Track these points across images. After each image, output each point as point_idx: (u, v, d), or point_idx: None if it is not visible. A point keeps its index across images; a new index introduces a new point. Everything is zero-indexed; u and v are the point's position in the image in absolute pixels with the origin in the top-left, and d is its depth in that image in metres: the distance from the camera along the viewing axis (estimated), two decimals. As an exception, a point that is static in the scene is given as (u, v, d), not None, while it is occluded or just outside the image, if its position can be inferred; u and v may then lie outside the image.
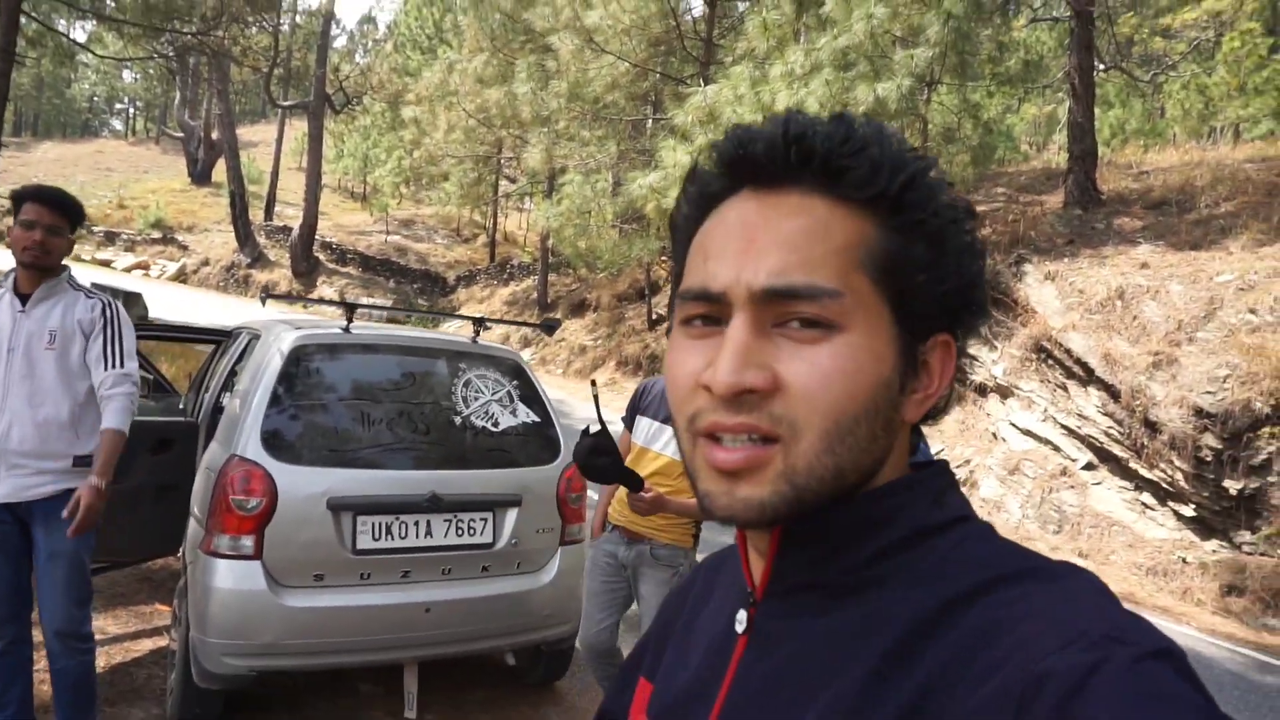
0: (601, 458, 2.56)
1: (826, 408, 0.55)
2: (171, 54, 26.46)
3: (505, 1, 19.98)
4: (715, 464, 0.57)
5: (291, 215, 28.92)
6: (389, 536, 3.30)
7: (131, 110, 68.13)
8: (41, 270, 2.82)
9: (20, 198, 2.81)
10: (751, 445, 0.56)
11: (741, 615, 0.65)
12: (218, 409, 4.15)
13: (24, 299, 2.83)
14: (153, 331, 4.74)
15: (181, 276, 25.47)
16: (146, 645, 4.00)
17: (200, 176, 36.75)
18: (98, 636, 3.78)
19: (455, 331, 4.62)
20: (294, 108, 29.79)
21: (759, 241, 0.58)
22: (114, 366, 2.83)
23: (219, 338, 4.66)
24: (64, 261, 2.91)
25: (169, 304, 17.98)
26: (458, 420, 3.59)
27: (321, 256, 25.44)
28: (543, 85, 17.17)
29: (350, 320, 3.62)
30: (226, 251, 26.56)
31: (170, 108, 50.38)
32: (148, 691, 3.59)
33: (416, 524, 3.34)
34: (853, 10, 11.12)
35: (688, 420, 0.59)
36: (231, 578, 3.11)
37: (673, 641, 0.75)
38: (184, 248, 28.07)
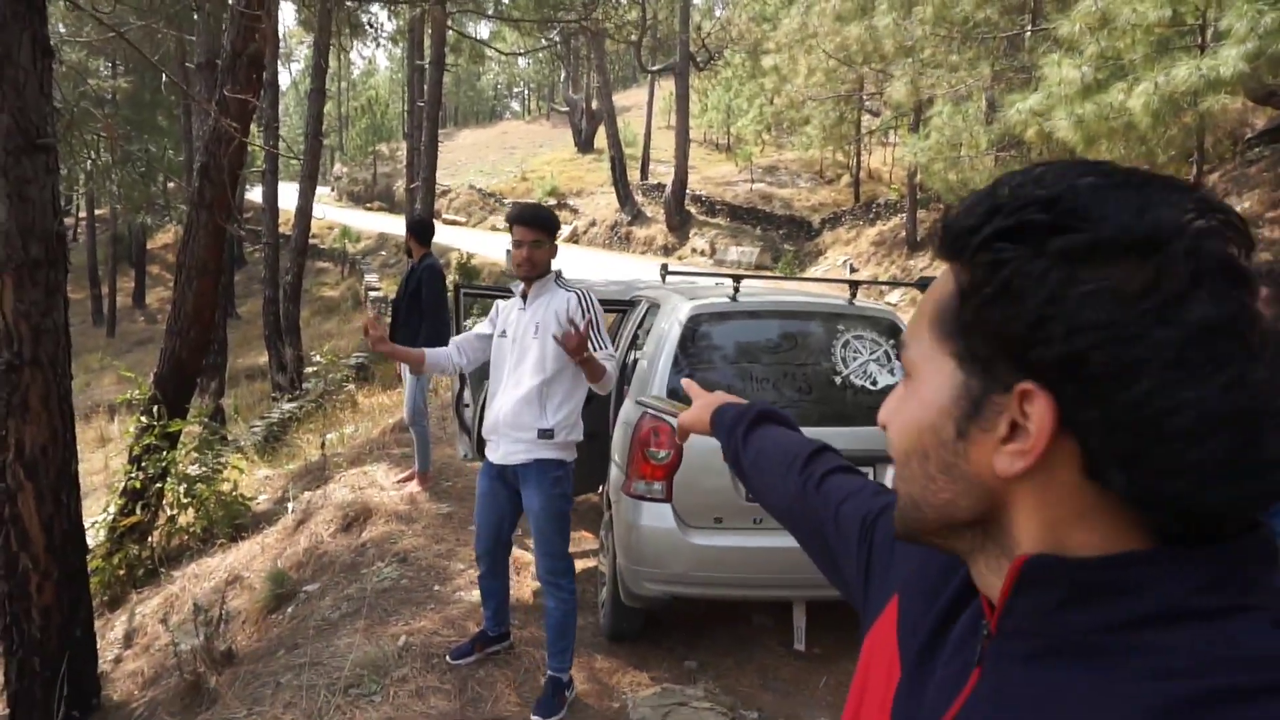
0: None
1: (898, 444, 0.65)
2: (558, 39, 29.40)
3: (862, -71, 19.22)
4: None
5: (664, 173, 30.89)
6: (778, 487, 3.62)
7: (526, 93, 76.87)
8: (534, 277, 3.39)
9: (510, 221, 3.44)
10: None
11: (977, 647, 0.64)
12: (625, 368, 4.77)
13: (524, 298, 3.46)
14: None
15: (574, 238, 28.57)
16: (578, 565, 4.79)
17: (584, 145, 40.56)
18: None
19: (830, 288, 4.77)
20: (662, 71, 31.56)
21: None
22: (600, 348, 3.26)
23: (622, 306, 5.31)
24: (552, 263, 3.44)
25: (566, 265, 20.30)
26: (838, 380, 3.79)
27: (692, 209, 26.94)
28: (905, 13, 16.33)
29: (737, 289, 3.97)
30: (610, 212, 29.20)
31: (557, 86, 56.03)
32: (582, 604, 4.32)
33: (802, 476, 3.62)
34: None
35: None
36: (648, 516, 3.64)
37: (892, 561, 0.83)
38: (575, 211, 31.39)
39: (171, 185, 24.53)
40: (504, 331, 3.46)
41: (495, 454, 3.44)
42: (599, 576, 4.30)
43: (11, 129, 3.84)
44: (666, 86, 35.45)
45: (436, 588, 4.36)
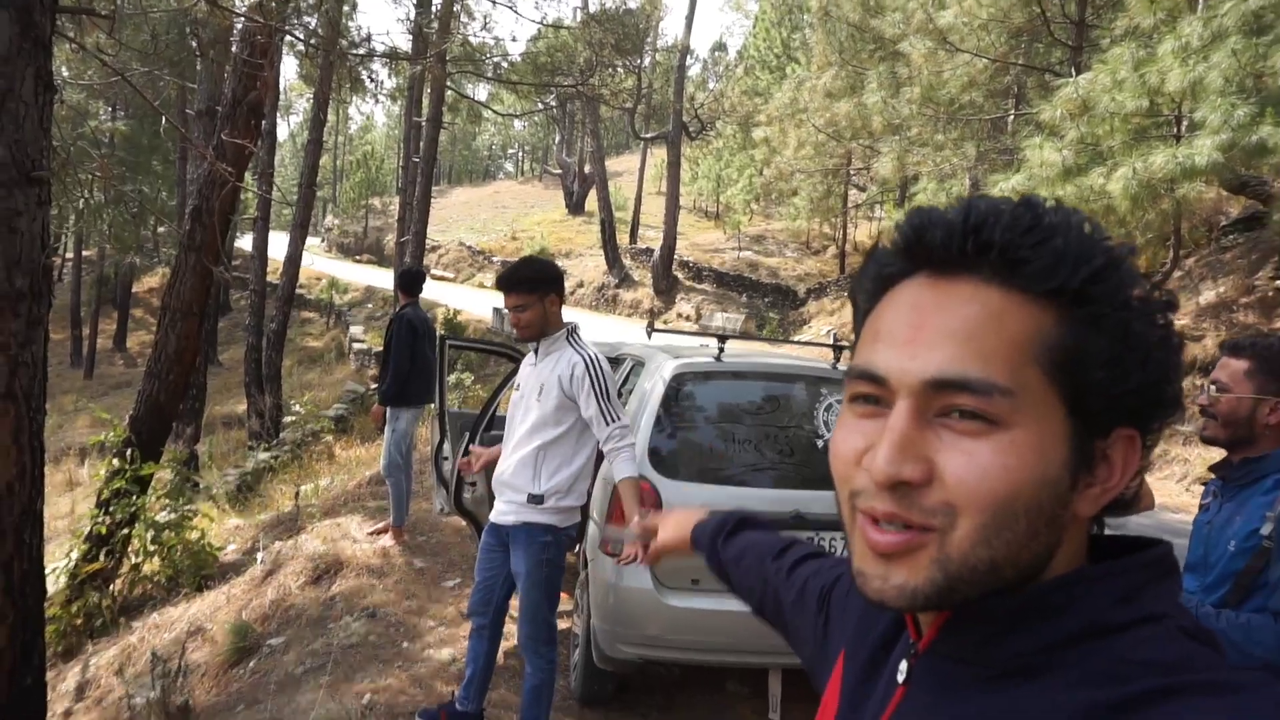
0: None
1: (983, 502, 0.55)
2: (554, 103, 30.00)
3: (853, 13, 19.92)
4: (872, 544, 0.58)
5: (652, 237, 31.27)
6: (758, 551, 3.57)
7: (520, 155, 78.11)
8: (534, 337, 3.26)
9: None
10: (908, 530, 0.57)
11: (903, 666, 0.65)
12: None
13: (535, 354, 3.33)
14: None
15: (562, 298, 28.77)
16: (553, 627, 4.69)
17: (575, 207, 41.09)
18: (513, 615, 4.51)
19: (815, 349, 4.80)
20: (655, 138, 32.20)
21: (927, 329, 0.58)
22: (611, 422, 3.12)
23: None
24: (564, 319, 3.31)
25: (554, 324, 20.38)
26: (820, 443, 3.78)
27: (679, 274, 27.20)
28: (893, 93, 16.83)
29: (722, 349, 3.97)
30: (597, 273, 29.42)
31: (550, 149, 56.99)
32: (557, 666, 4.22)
33: (783, 541, 3.57)
34: (1268, -35, 9.50)
35: (848, 495, 0.61)
36: (625, 576, 3.58)
37: (844, 620, 0.82)
38: (563, 271, 31.66)
39: (162, 229, 24.57)
40: (518, 386, 3.38)
41: (495, 511, 3.35)
42: (572, 638, 4.21)
43: (6, 161, 3.82)
44: (658, 154, 36.18)
45: (405, 645, 4.24)
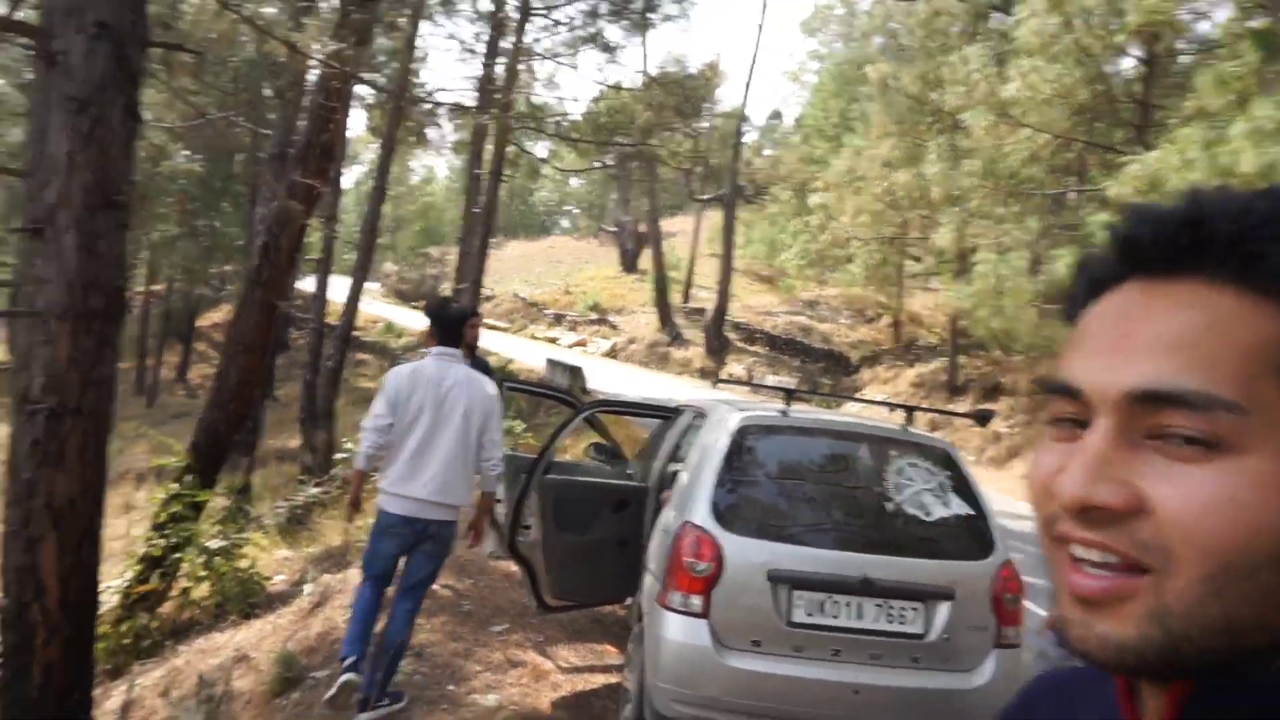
0: None
1: (1208, 544, 0.45)
2: (613, 162, 30.57)
3: (912, 86, 20.05)
4: (1072, 588, 0.50)
5: (705, 298, 31.39)
6: (822, 613, 3.44)
7: (576, 211, 79.57)
8: None
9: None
10: (1115, 574, 0.48)
11: None
12: (664, 476, 4.68)
13: None
14: (614, 407, 5.49)
15: (612, 353, 28.85)
16: (599, 680, 4.57)
17: (629, 265, 41.50)
18: (561, 665, 4.45)
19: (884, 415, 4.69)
20: (710, 200, 32.57)
21: (1135, 337, 0.49)
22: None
23: (667, 414, 5.26)
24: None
25: (603, 377, 20.45)
26: (889, 506, 3.66)
27: (732, 335, 27.19)
28: (953, 164, 16.83)
29: (789, 404, 3.90)
30: (650, 331, 29.55)
31: (606, 207, 58.00)
32: (603, 722, 4.10)
33: (849, 605, 3.44)
34: (1349, 49, 9.38)
35: (1045, 523, 0.52)
36: (682, 632, 3.47)
37: None
38: (614, 328, 31.80)
39: (228, 267, 25.36)
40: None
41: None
42: (622, 693, 4.08)
43: (91, 185, 3.96)
44: (713, 216, 36.50)
45: (450, 687, 4.16)
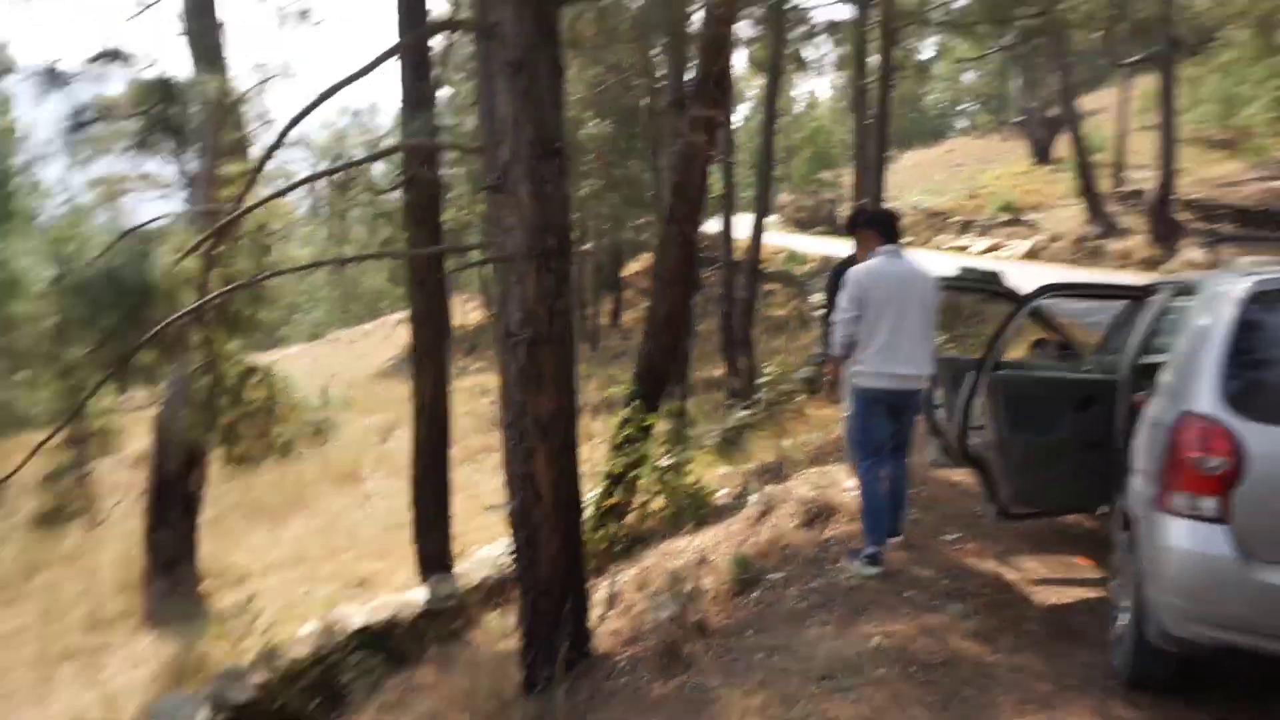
0: None
1: None
2: (1012, 41, 27.34)
3: None
4: None
5: (1140, 179, 26.97)
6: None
7: (973, 108, 73.08)
8: None
9: None
10: None
11: None
12: (1136, 371, 4.02)
13: None
14: (1066, 291, 4.92)
15: (1032, 254, 26.11)
16: (1074, 593, 4.11)
17: (1042, 156, 37.14)
18: (1029, 576, 4.12)
19: None
20: (1139, 63, 27.69)
21: None
22: None
23: (1136, 294, 4.53)
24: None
25: (1025, 281, 18.63)
26: None
27: (1183, 217, 23.03)
28: None
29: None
30: (1074, 225, 26.23)
31: (1008, 97, 52.38)
32: (1087, 638, 3.66)
33: None
34: None
35: None
36: (1190, 539, 2.93)
37: None
38: (1031, 226, 28.76)
39: (641, 220, 27.61)
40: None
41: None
42: (1110, 608, 3.59)
43: (534, 138, 4.38)
44: (1143, 82, 31.04)
45: (908, 594, 4.04)
